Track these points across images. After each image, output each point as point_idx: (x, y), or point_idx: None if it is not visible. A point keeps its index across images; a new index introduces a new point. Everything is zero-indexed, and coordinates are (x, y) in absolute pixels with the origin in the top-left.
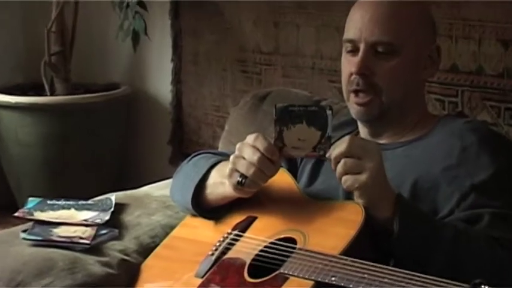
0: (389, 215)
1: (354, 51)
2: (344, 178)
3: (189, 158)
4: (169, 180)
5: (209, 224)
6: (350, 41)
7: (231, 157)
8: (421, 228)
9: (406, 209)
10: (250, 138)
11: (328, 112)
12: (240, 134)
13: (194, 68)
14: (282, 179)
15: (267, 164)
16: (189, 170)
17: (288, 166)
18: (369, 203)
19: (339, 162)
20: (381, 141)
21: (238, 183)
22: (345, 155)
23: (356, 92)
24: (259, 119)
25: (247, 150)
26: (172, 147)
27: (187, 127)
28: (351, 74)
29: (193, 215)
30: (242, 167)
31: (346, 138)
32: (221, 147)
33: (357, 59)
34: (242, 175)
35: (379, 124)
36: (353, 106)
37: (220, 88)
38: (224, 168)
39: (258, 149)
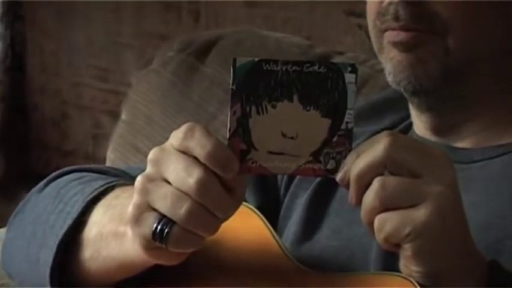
0: None
1: None
2: (380, 218)
3: (46, 180)
4: (0, 231)
5: None
6: None
7: (139, 179)
8: None
9: None
10: (178, 136)
11: (348, 76)
12: (153, 129)
13: None
14: (246, 225)
15: (217, 190)
16: (44, 208)
17: (257, 198)
18: (431, 274)
19: (368, 184)
20: (457, 145)
21: (155, 236)
22: (382, 166)
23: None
24: (196, 96)
25: (174, 162)
26: (4, 160)
27: (37, 115)
28: None
29: None
30: (163, 202)
31: (383, 136)
32: (113, 158)
33: None
34: (163, 218)
35: (447, 102)
36: (388, 55)
37: (110, 31)
38: (123, 202)
39: (195, 159)
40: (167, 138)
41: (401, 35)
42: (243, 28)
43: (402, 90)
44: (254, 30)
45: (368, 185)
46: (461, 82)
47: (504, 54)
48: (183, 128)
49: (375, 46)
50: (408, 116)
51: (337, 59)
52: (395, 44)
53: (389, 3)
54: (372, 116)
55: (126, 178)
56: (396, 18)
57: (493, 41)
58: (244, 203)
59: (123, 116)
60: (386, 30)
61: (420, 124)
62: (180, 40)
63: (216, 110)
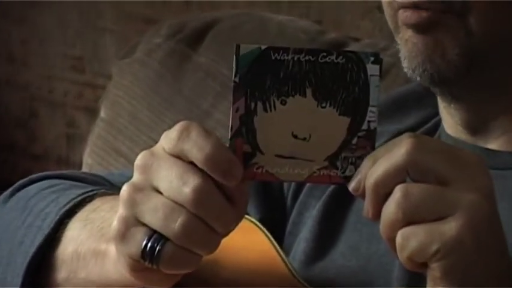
0: None
1: None
2: (403, 233)
3: (12, 189)
4: None
5: None
6: None
7: (125, 189)
8: None
9: None
10: (170, 137)
11: (371, 68)
12: (137, 129)
13: None
14: (248, 242)
15: (217, 200)
16: (10, 222)
17: (260, 209)
18: None
19: (387, 194)
20: (492, 145)
21: (145, 254)
22: (403, 172)
23: (409, 7)
24: (187, 90)
25: (166, 168)
26: None
27: (1, 112)
28: None
29: None
30: (153, 215)
31: (404, 138)
32: (90, 163)
33: None
34: (154, 234)
35: (474, 92)
36: (404, 35)
37: (86, 14)
38: (103, 216)
39: (191, 165)
40: (153, 139)
41: (414, 16)
42: (242, 11)
43: (418, 78)
44: (254, 13)
45: (387, 196)
46: (487, 69)
47: None
48: (177, 127)
49: (391, 25)
50: (437, 112)
51: (352, 47)
52: (410, 26)
53: None
54: (394, 113)
55: (106, 187)
56: None
57: None
58: (246, 216)
59: (102, 114)
60: (400, 8)
61: (449, 119)
62: (169, 24)
63: (210, 106)
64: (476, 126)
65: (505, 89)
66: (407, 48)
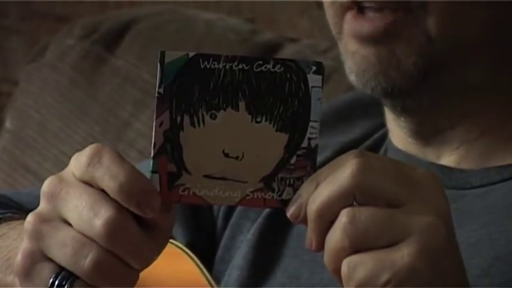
0: None
1: None
2: (350, 262)
3: None
4: None
5: None
6: None
7: (30, 219)
8: None
9: None
10: (80, 162)
11: (313, 78)
12: (48, 141)
13: None
14: (174, 270)
15: (132, 234)
16: None
17: (187, 232)
18: None
19: (332, 222)
20: (447, 160)
21: None
22: (349, 197)
23: (358, 8)
24: (104, 97)
25: (76, 197)
26: None
27: None
28: None
29: None
30: (61, 250)
31: (349, 157)
32: None
33: None
34: (62, 271)
35: (429, 101)
36: (349, 47)
37: None
38: (10, 244)
39: (104, 193)
40: (65, 153)
41: (367, 27)
42: (165, 8)
43: (370, 92)
44: (179, 11)
45: (332, 223)
46: (445, 75)
47: (499, 41)
48: (87, 151)
49: (333, 29)
50: (381, 125)
51: (289, 48)
52: (356, 35)
53: None
54: (337, 124)
55: (13, 209)
56: None
57: (481, 23)
58: (171, 240)
59: (8, 124)
60: (347, 10)
61: (398, 131)
62: (83, 23)
63: (129, 115)
64: (428, 137)
65: (464, 95)
66: (354, 61)
